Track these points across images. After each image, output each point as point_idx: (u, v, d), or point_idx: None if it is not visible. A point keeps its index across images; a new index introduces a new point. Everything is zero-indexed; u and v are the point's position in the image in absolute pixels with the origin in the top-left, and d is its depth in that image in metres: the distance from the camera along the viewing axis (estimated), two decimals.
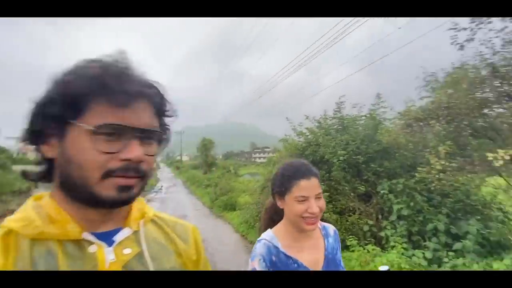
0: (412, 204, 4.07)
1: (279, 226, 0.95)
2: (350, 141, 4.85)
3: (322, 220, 1.00)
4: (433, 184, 3.33)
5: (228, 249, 5.40)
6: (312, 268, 0.89)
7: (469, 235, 3.50)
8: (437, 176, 3.13)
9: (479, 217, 3.80)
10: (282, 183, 0.91)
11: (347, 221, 4.49)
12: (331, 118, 5.85)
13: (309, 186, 0.88)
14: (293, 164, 0.94)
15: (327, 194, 4.90)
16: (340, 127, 5.55)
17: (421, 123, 3.74)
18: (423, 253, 3.53)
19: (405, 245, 3.69)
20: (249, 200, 8.09)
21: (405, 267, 3.13)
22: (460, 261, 3.12)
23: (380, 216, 4.48)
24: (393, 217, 4.16)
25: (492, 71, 2.81)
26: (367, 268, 3.21)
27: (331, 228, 1.04)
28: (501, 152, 2.35)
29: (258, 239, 0.92)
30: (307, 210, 0.86)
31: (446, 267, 3.13)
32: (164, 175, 36.30)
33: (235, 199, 9.64)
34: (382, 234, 4.08)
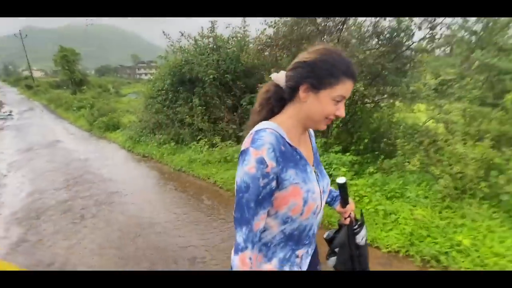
0: None
1: (283, 117, 0.82)
2: (221, 61, 5.63)
3: None
4: None
5: (117, 162, 5.87)
6: (308, 161, 0.84)
7: None
8: None
9: None
10: (328, 74, 0.75)
11: (218, 127, 5.75)
12: (206, 37, 6.26)
13: (351, 89, 0.78)
14: (342, 56, 0.78)
15: (204, 107, 5.88)
16: (215, 46, 6.12)
17: (269, 48, 4.86)
18: None
19: None
20: (133, 119, 8.17)
21: None
22: None
23: (242, 122, 5.95)
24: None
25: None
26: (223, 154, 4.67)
27: (311, 130, 0.98)
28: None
29: (258, 128, 0.77)
30: (336, 112, 0.78)
31: None
32: (10, 97, 27.62)
33: (118, 119, 9.34)
34: (241, 134, 5.61)
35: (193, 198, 3.78)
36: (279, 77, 0.82)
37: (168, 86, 6.20)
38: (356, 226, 0.96)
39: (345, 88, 0.75)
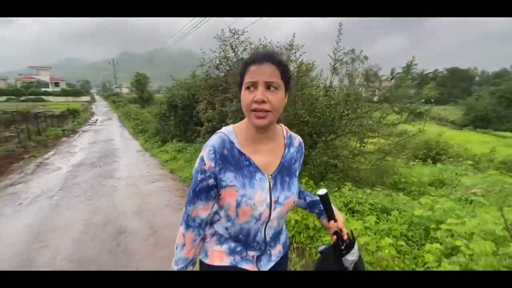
0: None
1: (241, 122, 0.87)
2: (190, 95, 9.37)
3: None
4: None
5: (131, 149, 10.07)
6: (263, 169, 0.83)
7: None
8: None
9: None
10: (241, 71, 0.81)
11: (187, 134, 9.47)
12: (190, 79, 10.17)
13: (259, 71, 0.76)
14: (255, 51, 0.81)
15: (181, 122, 9.66)
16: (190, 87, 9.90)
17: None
18: None
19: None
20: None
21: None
22: None
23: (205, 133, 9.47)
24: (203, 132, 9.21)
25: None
26: None
27: (296, 139, 0.95)
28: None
29: (218, 131, 0.86)
30: (254, 98, 0.76)
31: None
32: (100, 109, 37.20)
33: (147, 127, 13.97)
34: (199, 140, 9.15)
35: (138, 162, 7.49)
36: None
37: (165, 108, 10.26)
38: (343, 247, 0.86)
39: (250, 72, 0.78)
